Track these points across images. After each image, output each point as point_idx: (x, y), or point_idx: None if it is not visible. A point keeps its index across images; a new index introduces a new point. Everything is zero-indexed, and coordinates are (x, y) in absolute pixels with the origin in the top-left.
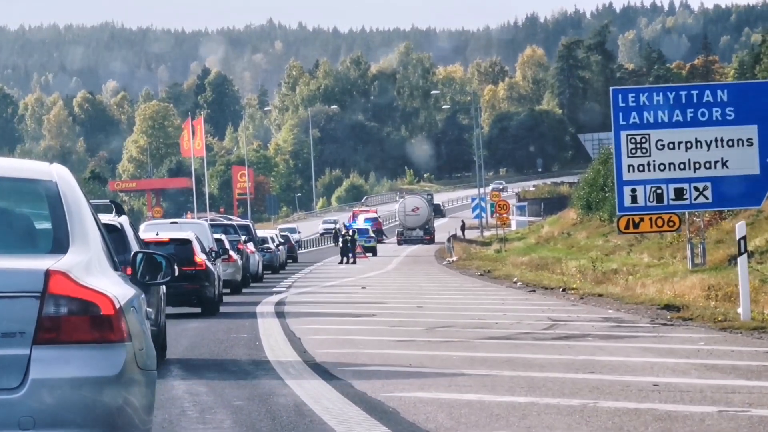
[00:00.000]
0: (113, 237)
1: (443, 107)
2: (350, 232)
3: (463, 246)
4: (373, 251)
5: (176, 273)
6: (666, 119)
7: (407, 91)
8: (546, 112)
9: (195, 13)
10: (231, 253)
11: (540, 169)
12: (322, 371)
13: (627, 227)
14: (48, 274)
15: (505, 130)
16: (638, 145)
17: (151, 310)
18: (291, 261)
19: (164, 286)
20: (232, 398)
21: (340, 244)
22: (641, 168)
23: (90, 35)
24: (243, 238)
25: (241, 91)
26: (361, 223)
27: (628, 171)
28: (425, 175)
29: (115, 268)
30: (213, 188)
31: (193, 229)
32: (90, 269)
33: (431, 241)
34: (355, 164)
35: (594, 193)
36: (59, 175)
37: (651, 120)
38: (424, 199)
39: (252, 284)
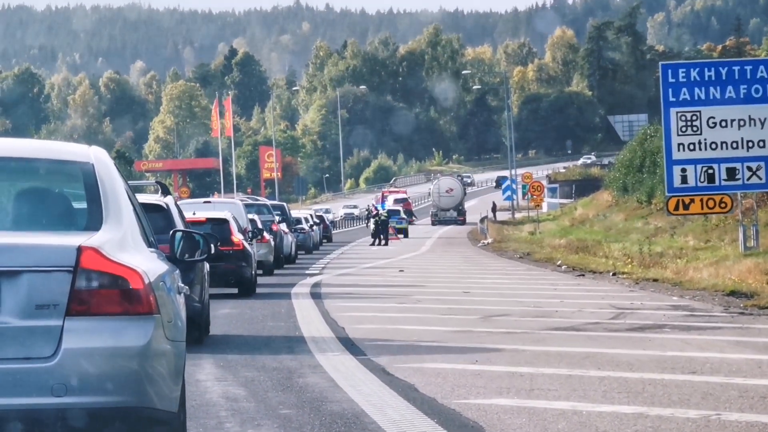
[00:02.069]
0: (159, 216)
1: (474, 88)
2: (383, 213)
3: (496, 228)
4: (405, 233)
5: (213, 251)
6: (718, 96)
7: (436, 72)
8: (575, 94)
9: None
10: (264, 233)
11: (569, 151)
12: (379, 370)
13: (677, 208)
14: (80, 249)
15: (534, 112)
16: (689, 123)
17: (185, 287)
18: (326, 241)
19: (208, 266)
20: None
21: (372, 226)
22: (692, 147)
23: (117, 15)
24: (277, 218)
25: (268, 72)
26: (390, 203)
27: (678, 150)
28: (454, 157)
29: (151, 246)
30: (240, 169)
31: (228, 208)
32: (122, 246)
33: (464, 222)
34: (384, 145)
35: (630, 175)
36: (96, 157)
37: (702, 96)
38: (458, 180)
39: (285, 265)
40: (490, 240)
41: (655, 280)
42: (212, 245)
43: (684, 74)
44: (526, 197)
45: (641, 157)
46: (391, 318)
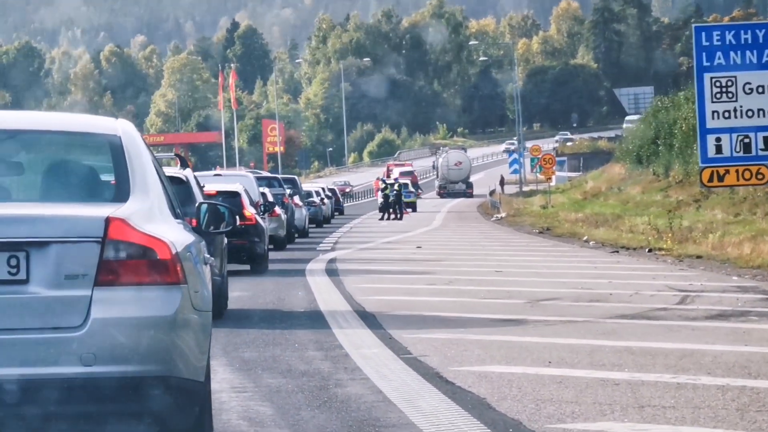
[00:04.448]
0: (179, 189)
1: (480, 60)
2: (395, 187)
3: (506, 201)
4: (413, 206)
5: (237, 223)
6: (755, 60)
7: (440, 44)
8: (581, 67)
9: None
10: (276, 207)
11: (575, 124)
12: (433, 375)
13: (711, 180)
14: (108, 220)
15: (539, 85)
16: (723, 89)
17: (211, 258)
18: (338, 214)
19: (225, 240)
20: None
21: (381, 199)
22: (727, 114)
23: None
24: (288, 191)
25: (270, 45)
26: (396, 177)
27: (713, 118)
28: (458, 130)
29: (177, 217)
30: (242, 142)
31: (240, 181)
32: (150, 217)
33: (472, 194)
34: (387, 119)
35: (645, 147)
36: (123, 129)
37: (738, 61)
38: (465, 154)
39: (298, 239)
40: (503, 214)
41: (699, 257)
42: (236, 217)
43: (719, 37)
44: (534, 170)
45: (656, 129)
46: (425, 303)
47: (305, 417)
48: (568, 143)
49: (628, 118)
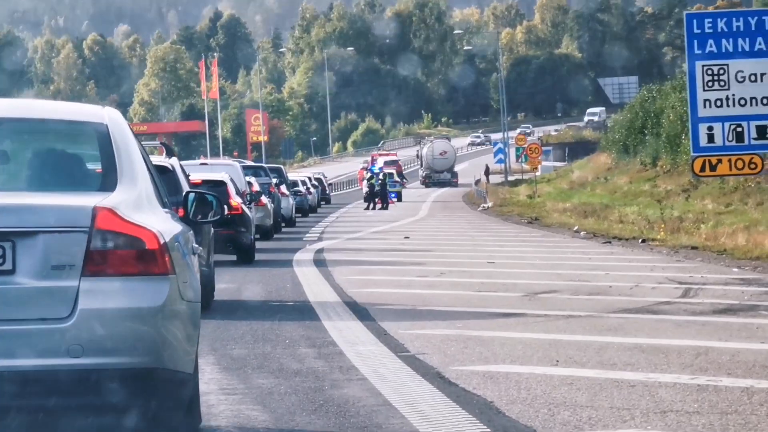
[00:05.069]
0: (164, 178)
1: (465, 48)
2: (380, 176)
3: (492, 190)
4: (399, 196)
5: (225, 212)
6: (747, 48)
7: (423, 34)
8: (565, 56)
9: None
10: (262, 196)
11: (560, 114)
12: (434, 374)
13: (703, 169)
14: (95, 210)
15: (523, 74)
16: (715, 77)
17: (199, 248)
18: (324, 203)
19: (212, 230)
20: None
21: (366, 189)
22: (719, 103)
23: None
24: (274, 181)
25: (254, 35)
26: (381, 166)
27: (705, 106)
28: (442, 120)
29: (164, 206)
30: (226, 132)
31: (226, 170)
32: (137, 206)
33: (457, 183)
34: (371, 108)
35: (632, 136)
36: (110, 117)
37: (730, 48)
38: (450, 143)
39: (285, 229)
40: (490, 204)
41: (694, 248)
42: (224, 206)
43: (710, 24)
44: (519, 160)
45: (642, 119)
46: (418, 296)
47: (301, 423)
48: (530, 134)
49: (589, 110)
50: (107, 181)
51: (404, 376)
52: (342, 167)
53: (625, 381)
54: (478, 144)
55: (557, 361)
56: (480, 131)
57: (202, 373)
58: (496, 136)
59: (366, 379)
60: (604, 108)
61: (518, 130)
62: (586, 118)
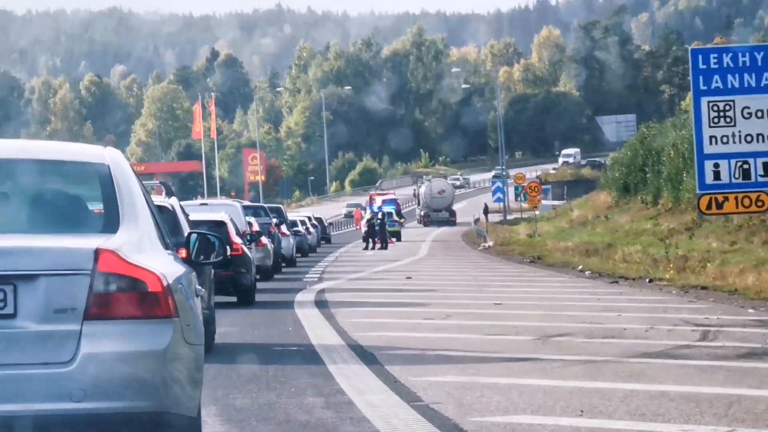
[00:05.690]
0: (164, 218)
1: (463, 87)
2: (379, 216)
3: (491, 229)
4: (398, 235)
5: (228, 253)
6: (753, 83)
7: (421, 73)
8: (563, 94)
9: None
10: (262, 237)
11: (557, 152)
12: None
13: (709, 207)
14: (98, 252)
15: (521, 113)
16: (721, 114)
17: (202, 289)
18: (324, 242)
19: (212, 271)
20: None
21: (365, 229)
22: (725, 140)
23: (97, 20)
24: (274, 220)
25: (251, 75)
26: (378, 205)
27: (710, 143)
28: (440, 159)
29: (167, 248)
30: (223, 172)
31: (226, 210)
32: (140, 248)
33: (455, 223)
34: (368, 147)
35: (632, 174)
36: (112, 158)
37: (736, 84)
38: (448, 182)
39: (285, 269)
40: (491, 243)
41: (704, 288)
42: (227, 247)
43: (716, 60)
44: (518, 199)
45: (644, 156)
46: (426, 340)
47: None
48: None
49: (564, 151)
50: (109, 222)
51: (419, 428)
52: (340, 207)
53: None
54: (458, 187)
55: (582, 411)
56: (459, 173)
57: (204, 426)
58: (483, 176)
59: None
60: (578, 149)
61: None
62: (561, 160)
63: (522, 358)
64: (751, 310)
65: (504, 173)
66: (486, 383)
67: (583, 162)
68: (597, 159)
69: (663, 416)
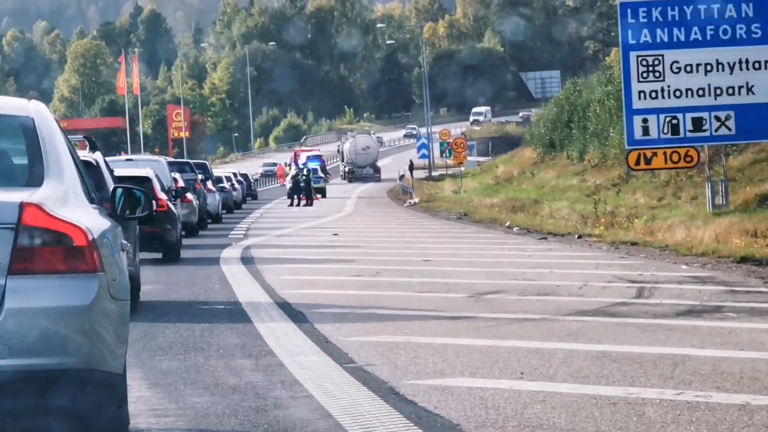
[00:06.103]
0: (89, 173)
1: (388, 43)
2: (305, 172)
3: (417, 186)
4: (323, 192)
5: (154, 208)
6: (682, 38)
7: (345, 29)
8: (487, 51)
9: None
10: (188, 193)
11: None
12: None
13: (638, 163)
14: (22, 206)
15: (445, 69)
16: (650, 68)
17: (128, 244)
18: (250, 199)
19: (137, 227)
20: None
21: (290, 185)
22: (654, 95)
23: None
24: (200, 176)
25: (175, 31)
26: (303, 162)
27: (639, 98)
28: (365, 115)
29: (92, 202)
30: (147, 128)
31: (151, 166)
32: (65, 202)
33: (380, 179)
34: (293, 104)
35: (558, 130)
36: (36, 110)
37: (665, 39)
38: (373, 138)
39: (210, 225)
40: (416, 199)
41: (634, 244)
42: (153, 201)
43: (645, 14)
44: (443, 155)
45: (569, 112)
46: (356, 298)
47: None
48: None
49: (474, 109)
50: (34, 176)
51: (354, 392)
52: (272, 161)
53: (603, 397)
54: (414, 136)
55: (522, 373)
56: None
57: (128, 389)
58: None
59: (312, 396)
60: (489, 107)
61: (404, 131)
62: (471, 118)
63: (455, 316)
64: (684, 266)
65: (428, 130)
66: (420, 343)
67: (493, 120)
68: (529, 112)
69: (606, 378)
